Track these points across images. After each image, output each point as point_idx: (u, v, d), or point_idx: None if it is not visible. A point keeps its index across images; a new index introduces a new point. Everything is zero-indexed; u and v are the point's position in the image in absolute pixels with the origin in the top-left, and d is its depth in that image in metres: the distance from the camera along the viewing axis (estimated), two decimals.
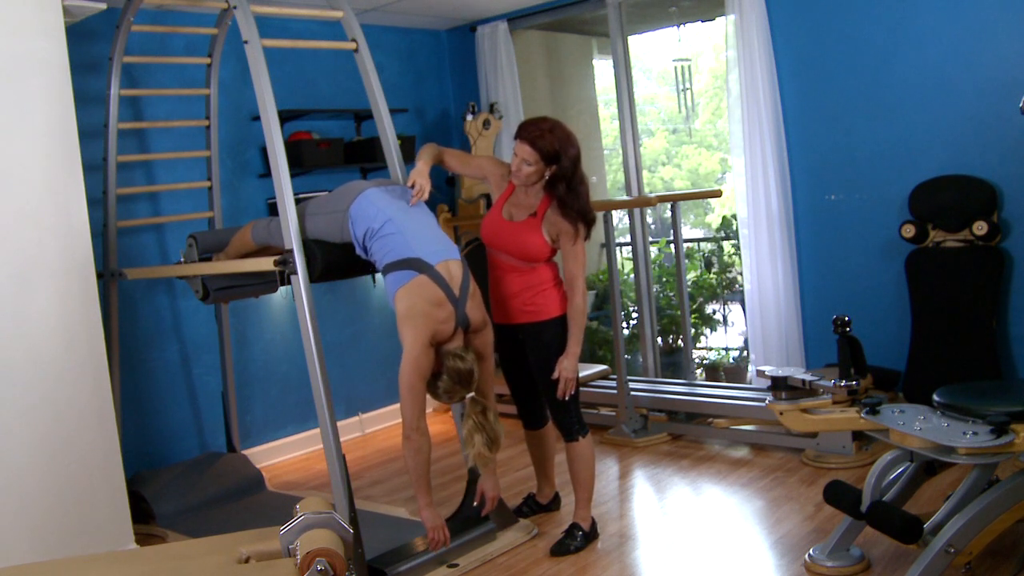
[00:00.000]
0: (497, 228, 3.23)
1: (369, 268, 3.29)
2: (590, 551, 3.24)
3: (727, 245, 6.40)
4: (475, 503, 3.32)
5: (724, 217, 6.57)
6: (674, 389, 4.66)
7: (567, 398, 3.23)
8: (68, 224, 3.17)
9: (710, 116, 8.74)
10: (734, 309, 6.47)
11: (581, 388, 3.42)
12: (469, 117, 5.29)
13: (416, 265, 2.92)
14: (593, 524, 3.34)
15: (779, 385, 3.09)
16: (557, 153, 3.04)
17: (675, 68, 5.76)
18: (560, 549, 3.24)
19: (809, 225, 4.50)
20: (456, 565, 3.17)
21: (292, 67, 4.87)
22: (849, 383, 2.94)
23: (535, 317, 3.21)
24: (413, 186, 3.15)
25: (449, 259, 3.00)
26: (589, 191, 3.18)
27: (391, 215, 3.00)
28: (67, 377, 3.13)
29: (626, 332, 5.79)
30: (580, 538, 3.26)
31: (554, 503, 3.67)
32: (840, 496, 2.89)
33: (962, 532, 2.51)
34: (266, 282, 3.59)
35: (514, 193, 3.23)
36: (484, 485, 3.25)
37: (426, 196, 3.14)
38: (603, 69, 6.52)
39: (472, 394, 2.98)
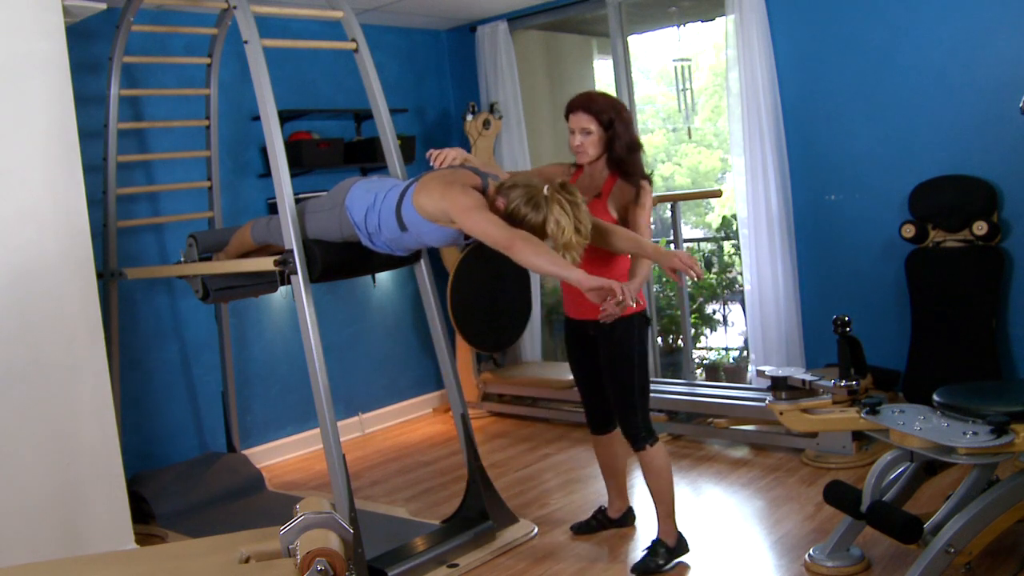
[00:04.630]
0: None
1: (369, 268, 3.29)
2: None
3: (727, 245, 6.40)
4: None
5: (724, 217, 6.57)
6: (674, 389, 4.66)
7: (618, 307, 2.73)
8: (68, 224, 3.17)
9: (709, 114, 8.73)
10: (734, 309, 6.47)
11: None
12: (469, 117, 5.29)
13: (413, 181, 2.90)
14: (680, 538, 3.12)
15: (779, 385, 3.08)
16: (611, 119, 3.05)
17: (675, 68, 5.74)
18: (643, 568, 3.05)
19: (809, 225, 4.50)
20: (456, 565, 3.17)
21: (292, 67, 4.87)
22: (849, 383, 2.93)
23: None
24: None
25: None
26: (641, 152, 3.13)
27: (380, 187, 3.01)
28: (67, 377, 3.13)
29: None
30: (664, 554, 3.07)
31: (627, 517, 3.46)
32: (840, 496, 2.89)
33: (962, 532, 2.51)
34: (266, 282, 3.59)
35: (579, 180, 3.17)
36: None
37: (449, 159, 3.01)
38: (603, 69, 6.52)
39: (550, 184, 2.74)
